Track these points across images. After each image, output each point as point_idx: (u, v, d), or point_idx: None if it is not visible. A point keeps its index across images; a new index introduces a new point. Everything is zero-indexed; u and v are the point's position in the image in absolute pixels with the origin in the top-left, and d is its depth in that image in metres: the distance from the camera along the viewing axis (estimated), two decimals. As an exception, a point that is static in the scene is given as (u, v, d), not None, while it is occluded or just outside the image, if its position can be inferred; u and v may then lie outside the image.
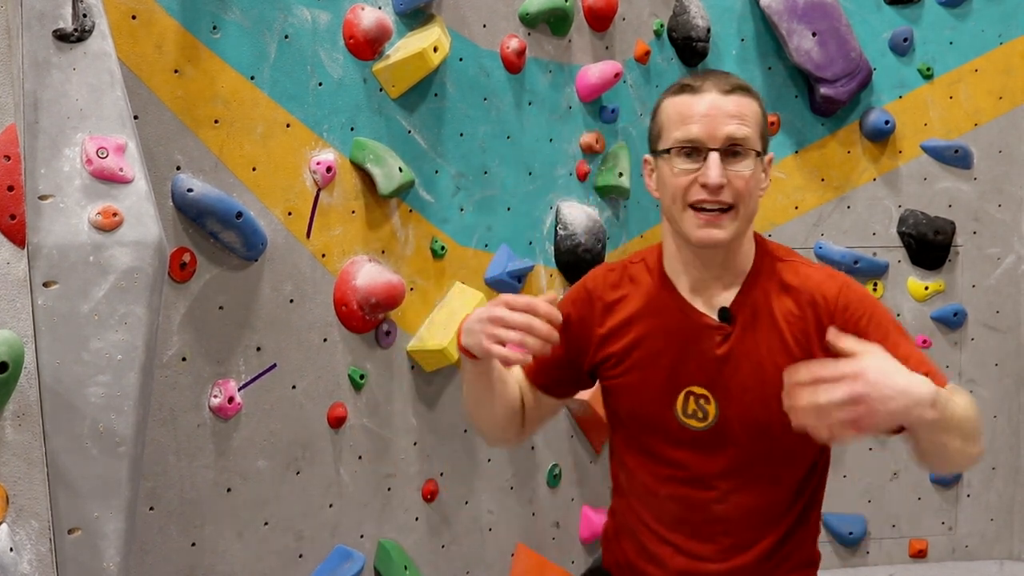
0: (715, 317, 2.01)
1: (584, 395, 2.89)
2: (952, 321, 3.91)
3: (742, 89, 1.99)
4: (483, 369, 2.02)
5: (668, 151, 1.97)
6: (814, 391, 1.65)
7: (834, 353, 1.83)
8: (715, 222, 1.93)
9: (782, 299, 2.01)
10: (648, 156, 2.07)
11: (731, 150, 1.93)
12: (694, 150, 1.94)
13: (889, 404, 1.66)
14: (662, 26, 3.63)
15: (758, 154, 1.96)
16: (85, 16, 2.16)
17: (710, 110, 1.93)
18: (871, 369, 1.66)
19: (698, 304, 2.03)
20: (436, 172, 3.03)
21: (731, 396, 2.00)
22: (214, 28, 2.58)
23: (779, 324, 1.99)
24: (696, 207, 1.94)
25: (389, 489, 2.96)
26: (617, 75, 3.34)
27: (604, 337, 2.09)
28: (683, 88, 1.99)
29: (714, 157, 1.92)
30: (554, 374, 2.16)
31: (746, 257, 2.05)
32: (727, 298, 2.02)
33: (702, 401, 2.01)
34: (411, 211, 2.98)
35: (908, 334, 2.04)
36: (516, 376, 2.19)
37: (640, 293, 2.08)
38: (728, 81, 1.99)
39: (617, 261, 2.20)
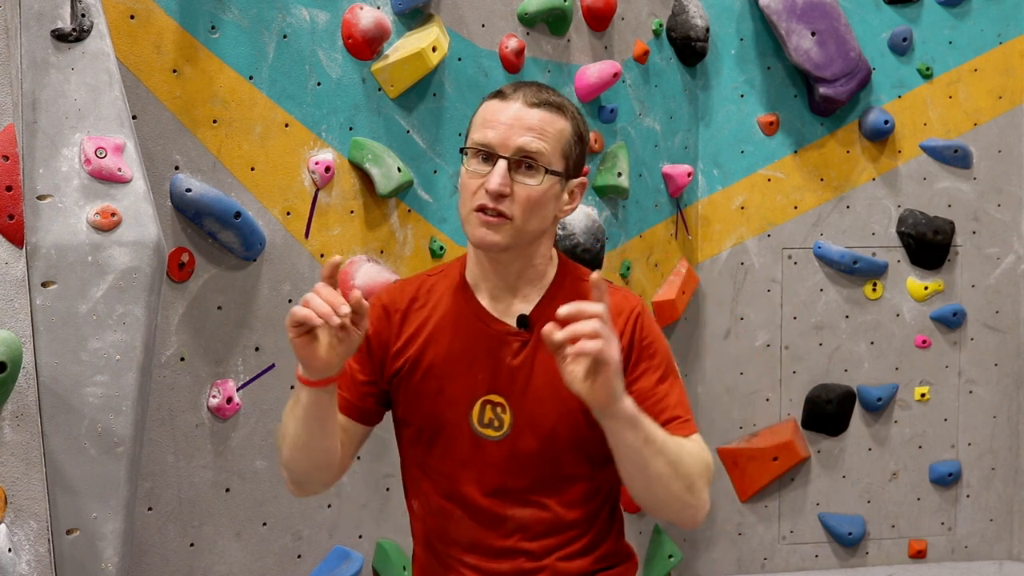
0: (513, 324, 2.01)
1: None
2: (951, 321, 3.91)
3: (551, 105, 1.97)
4: (319, 399, 1.91)
5: (466, 152, 1.99)
6: (571, 327, 1.70)
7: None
8: (492, 225, 1.93)
9: None
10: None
11: (523, 162, 1.93)
12: (488, 155, 1.94)
13: (615, 349, 1.72)
14: (661, 26, 3.63)
15: (554, 172, 1.95)
16: (83, 16, 2.16)
17: (510, 120, 1.94)
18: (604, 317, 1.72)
19: (497, 313, 2.03)
20: (435, 172, 3.03)
21: (525, 404, 1.99)
22: (212, 28, 2.58)
23: None
24: (480, 210, 1.94)
25: (388, 489, 2.96)
26: (616, 75, 3.34)
27: (400, 347, 2.06)
28: (497, 94, 2.00)
29: (500, 164, 1.92)
30: (367, 399, 2.09)
31: (545, 271, 2.05)
32: (526, 308, 2.02)
33: (499, 410, 1.99)
34: (410, 211, 2.98)
35: (679, 378, 2.05)
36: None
37: (436, 302, 2.07)
38: (539, 95, 1.98)
39: (416, 275, 2.19)
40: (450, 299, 2.06)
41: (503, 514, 2.02)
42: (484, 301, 2.04)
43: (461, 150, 2.00)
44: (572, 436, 1.99)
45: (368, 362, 2.05)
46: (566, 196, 2.01)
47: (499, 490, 2.01)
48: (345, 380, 2.04)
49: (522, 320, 2.00)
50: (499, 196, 1.92)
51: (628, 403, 1.78)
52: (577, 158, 2.01)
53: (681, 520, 1.96)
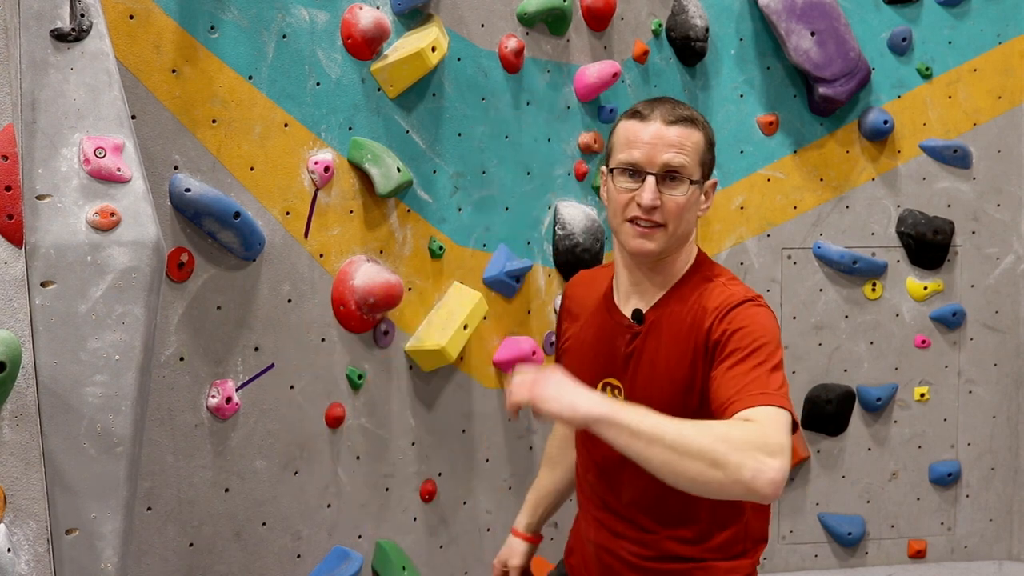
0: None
1: None
2: (951, 321, 3.91)
3: (686, 120, 2.19)
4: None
5: (614, 170, 2.21)
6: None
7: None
8: (647, 235, 2.17)
9: (693, 311, 2.20)
10: (603, 168, 2.29)
11: (668, 175, 2.16)
12: (635, 172, 2.16)
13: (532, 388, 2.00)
14: (660, 26, 3.63)
15: (695, 181, 2.18)
16: (83, 16, 2.16)
17: (652, 139, 2.16)
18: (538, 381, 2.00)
19: (625, 306, 2.28)
20: (434, 172, 3.03)
21: (635, 390, 2.23)
22: (212, 28, 2.58)
23: (683, 332, 2.19)
24: (632, 221, 2.18)
25: (387, 489, 2.96)
26: (615, 75, 3.34)
27: (566, 327, 2.42)
28: (635, 114, 2.22)
29: (650, 181, 2.15)
30: None
31: (678, 270, 2.27)
32: (651, 303, 2.25)
33: (616, 392, 2.25)
34: (409, 211, 2.98)
35: (774, 364, 2.10)
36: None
37: (591, 292, 2.38)
38: (674, 112, 2.19)
39: (597, 266, 2.46)
40: (598, 291, 2.35)
41: (620, 481, 2.26)
42: (619, 295, 2.30)
43: (608, 168, 2.23)
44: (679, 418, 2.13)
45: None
46: (702, 197, 2.24)
47: (617, 464, 2.17)
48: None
49: (636, 314, 2.24)
50: (651, 209, 2.15)
51: (595, 407, 1.93)
52: (710, 163, 2.24)
53: (737, 495, 1.99)
